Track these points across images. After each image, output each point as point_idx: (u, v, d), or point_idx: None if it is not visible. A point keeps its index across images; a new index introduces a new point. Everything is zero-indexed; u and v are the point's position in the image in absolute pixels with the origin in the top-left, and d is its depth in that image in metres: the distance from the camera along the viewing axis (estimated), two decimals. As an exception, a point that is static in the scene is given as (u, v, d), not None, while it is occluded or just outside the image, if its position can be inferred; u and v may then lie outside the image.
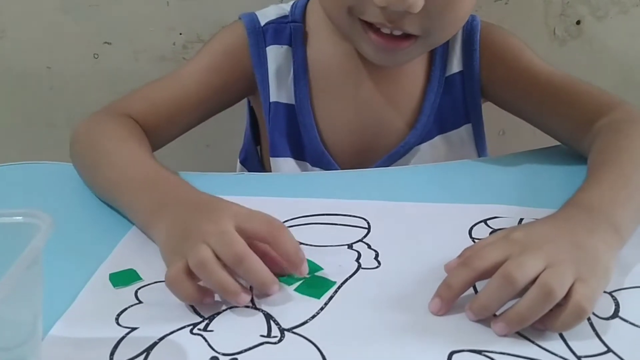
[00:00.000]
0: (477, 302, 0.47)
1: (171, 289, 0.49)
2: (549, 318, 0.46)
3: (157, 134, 0.73)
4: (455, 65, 0.76)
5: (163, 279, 0.52)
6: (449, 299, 0.48)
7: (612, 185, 0.57)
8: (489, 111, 0.81)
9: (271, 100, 0.76)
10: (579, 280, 0.46)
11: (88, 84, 1.03)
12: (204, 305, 0.49)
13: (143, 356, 0.45)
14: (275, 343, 0.46)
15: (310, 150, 0.77)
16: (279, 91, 0.76)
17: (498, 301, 0.47)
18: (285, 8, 0.77)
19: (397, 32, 0.65)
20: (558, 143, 0.75)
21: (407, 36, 0.65)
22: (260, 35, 0.75)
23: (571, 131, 0.71)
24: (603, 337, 0.46)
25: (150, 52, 1.01)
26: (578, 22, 1.02)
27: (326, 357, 0.44)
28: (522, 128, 0.79)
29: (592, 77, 0.74)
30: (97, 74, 1.02)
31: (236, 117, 0.89)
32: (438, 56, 0.76)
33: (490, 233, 0.59)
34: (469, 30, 0.75)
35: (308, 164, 0.78)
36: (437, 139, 0.78)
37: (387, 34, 0.65)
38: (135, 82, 0.76)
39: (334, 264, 0.54)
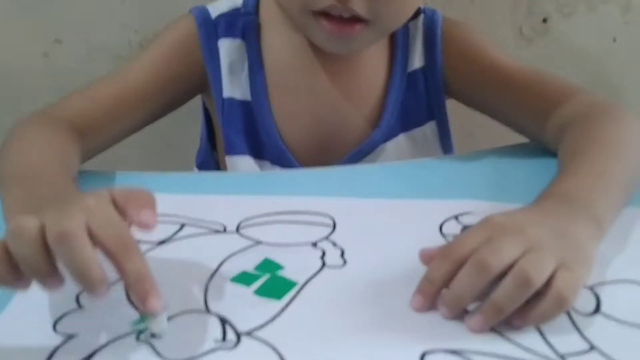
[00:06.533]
0: (450, 292, 0.44)
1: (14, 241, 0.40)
2: (528, 309, 0.43)
3: (98, 132, 0.68)
4: (417, 61, 0.74)
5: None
6: (431, 295, 0.45)
7: (589, 176, 0.54)
8: (457, 112, 0.78)
9: (224, 96, 0.73)
10: (563, 267, 0.43)
11: (37, 85, 0.98)
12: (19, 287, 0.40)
13: (81, 366, 0.40)
14: (230, 348, 0.42)
15: (270, 148, 0.73)
16: (233, 86, 0.73)
17: (471, 289, 0.43)
18: (237, 0, 0.74)
19: (347, 14, 0.62)
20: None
21: (357, 20, 0.63)
22: (212, 28, 0.72)
23: (533, 120, 0.69)
24: (586, 334, 0.43)
25: (105, 50, 0.97)
26: (545, 20, 1.00)
27: (287, 361, 0.41)
28: (491, 129, 0.77)
29: (560, 75, 0.72)
30: (47, 74, 0.98)
31: (197, 118, 0.85)
32: (399, 51, 0.74)
33: (462, 229, 0.56)
34: (429, 24, 0.74)
35: (268, 162, 0.74)
36: (401, 137, 0.75)
37: (337, 16, 0.63)
38: (89, 83, 0.71)
39: (296, 263, 0.51)
